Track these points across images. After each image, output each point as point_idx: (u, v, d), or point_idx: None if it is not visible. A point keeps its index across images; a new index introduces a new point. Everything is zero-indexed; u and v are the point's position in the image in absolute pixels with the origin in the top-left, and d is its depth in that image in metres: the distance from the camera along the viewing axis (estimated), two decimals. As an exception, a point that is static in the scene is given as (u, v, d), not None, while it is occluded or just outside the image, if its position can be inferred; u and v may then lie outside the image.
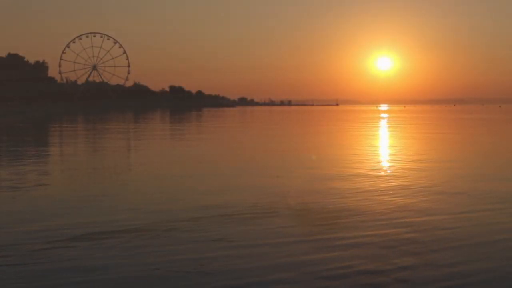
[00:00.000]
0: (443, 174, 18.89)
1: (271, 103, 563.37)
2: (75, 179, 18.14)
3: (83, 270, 8.14)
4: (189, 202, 13.37)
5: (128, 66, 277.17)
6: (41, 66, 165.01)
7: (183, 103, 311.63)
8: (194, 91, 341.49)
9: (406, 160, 23.44)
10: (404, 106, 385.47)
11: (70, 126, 64.87)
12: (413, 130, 53.55)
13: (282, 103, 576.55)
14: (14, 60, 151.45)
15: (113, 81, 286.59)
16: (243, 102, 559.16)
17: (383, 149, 30.54)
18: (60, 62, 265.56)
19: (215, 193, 14.72)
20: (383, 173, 19.04)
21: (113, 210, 12.48)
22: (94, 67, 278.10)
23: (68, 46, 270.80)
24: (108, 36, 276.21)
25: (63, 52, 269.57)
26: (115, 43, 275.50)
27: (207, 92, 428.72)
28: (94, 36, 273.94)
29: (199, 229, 10.56)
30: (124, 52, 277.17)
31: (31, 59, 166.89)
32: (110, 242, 9.63)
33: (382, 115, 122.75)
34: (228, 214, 11.90)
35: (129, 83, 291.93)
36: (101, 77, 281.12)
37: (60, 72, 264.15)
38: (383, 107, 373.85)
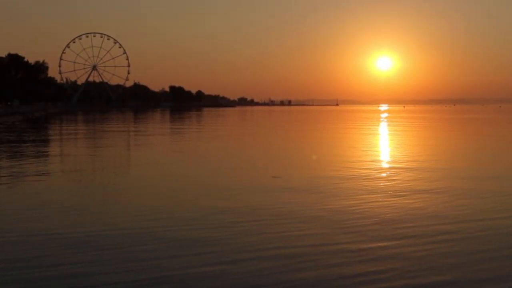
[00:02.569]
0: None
1: (271, 103, 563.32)
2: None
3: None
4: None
5: (128, 66, 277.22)
6: (41, 66, 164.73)
7: (183, 103, 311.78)
8: (194, 91, 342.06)
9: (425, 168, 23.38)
10: (404, 106, 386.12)
11: (70, 126, 64.85)
12: (416, 133, 53.54)
13: (282, 103, 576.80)
14: (14, 60, 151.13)
15: (113, 81, 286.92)
16: (243, 102, 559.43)
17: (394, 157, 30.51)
18: (60, 62, 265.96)
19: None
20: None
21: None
22: (94, 67, 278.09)
23: (68, 46, 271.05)
24: (108, 36, 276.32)
25: (63, 52, 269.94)
26: (115, 43, 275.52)
27: (207, 92, 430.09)
28: (94, 36, 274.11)
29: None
30: (124, 52, 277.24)
31: (31, 59, 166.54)
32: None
33: (382, 115, 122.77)
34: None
35: (129, 83, 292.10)
36: (101, 77, 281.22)
37: (60, 72, 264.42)
38: (383, 107, 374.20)
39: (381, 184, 16.83)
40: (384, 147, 33.61)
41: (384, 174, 19.21)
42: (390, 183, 17.01)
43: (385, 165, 22.79)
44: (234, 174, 19.64)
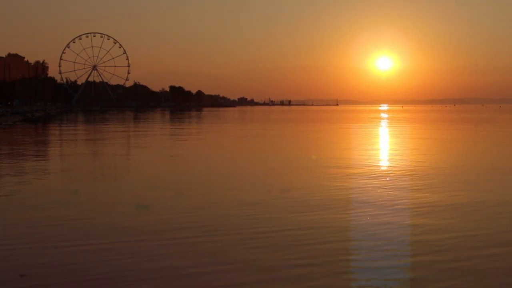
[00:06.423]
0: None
1: (271, 103, 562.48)
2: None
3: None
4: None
5: (128, 66, 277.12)
6: (41, 66, 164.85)
7: (183, 103, 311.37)
8: (194, 91, 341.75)
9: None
10: (402, 106, 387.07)
11: (70, 126, 64.61)
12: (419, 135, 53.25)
13: (282, 103, 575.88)
14: (14, 60, 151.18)
15: (113, 81, 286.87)
16: (243, 102, 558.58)
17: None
18: (60, 62, 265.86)
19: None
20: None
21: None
22: (94, 67, 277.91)
23: (68, 46, 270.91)
24: (108, 36, 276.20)
25: (63, 52, 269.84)
26: (115, 43, 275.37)
27: (207, 92, 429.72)
28: (94, 36, 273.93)
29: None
30: (124, 52, 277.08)
31: (31, 59, 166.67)
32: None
33: (382, 115, 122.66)
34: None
35: (129, 83, 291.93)
36: (101, 77, 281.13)
37: (60, 72, 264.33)
38: (384, 107, 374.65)
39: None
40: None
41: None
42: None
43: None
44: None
